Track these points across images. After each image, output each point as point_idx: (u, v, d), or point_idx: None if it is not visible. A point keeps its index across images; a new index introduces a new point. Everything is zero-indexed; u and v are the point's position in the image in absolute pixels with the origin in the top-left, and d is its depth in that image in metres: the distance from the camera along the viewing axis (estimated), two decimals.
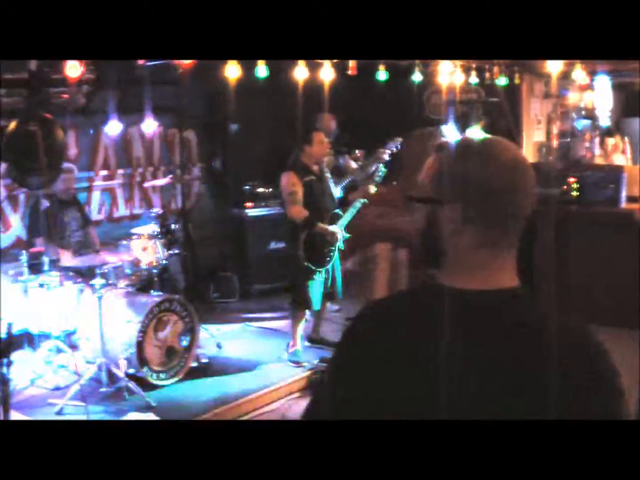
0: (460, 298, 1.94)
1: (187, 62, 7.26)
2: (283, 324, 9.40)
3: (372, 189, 8.10)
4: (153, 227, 8.15)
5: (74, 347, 7.90)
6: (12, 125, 7.56)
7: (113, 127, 9.62)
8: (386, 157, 8.45)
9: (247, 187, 10.99)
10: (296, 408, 7.29)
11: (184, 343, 7.64)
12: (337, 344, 2.13)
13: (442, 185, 1.96)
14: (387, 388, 1.95)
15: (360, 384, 1.99)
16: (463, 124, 9.62)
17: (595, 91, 12.88)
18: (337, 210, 8.10)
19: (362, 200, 8.16)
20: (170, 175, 8.89)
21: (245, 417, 7.05)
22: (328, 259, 8.02)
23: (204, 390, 7.44)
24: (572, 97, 12.65)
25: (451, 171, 1.95)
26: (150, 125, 9.95)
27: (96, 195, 10.22)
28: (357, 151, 8.92)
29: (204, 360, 8.00)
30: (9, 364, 4.33)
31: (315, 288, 8.04)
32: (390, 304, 2.14)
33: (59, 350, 7.78)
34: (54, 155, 7.52)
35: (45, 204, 7.73)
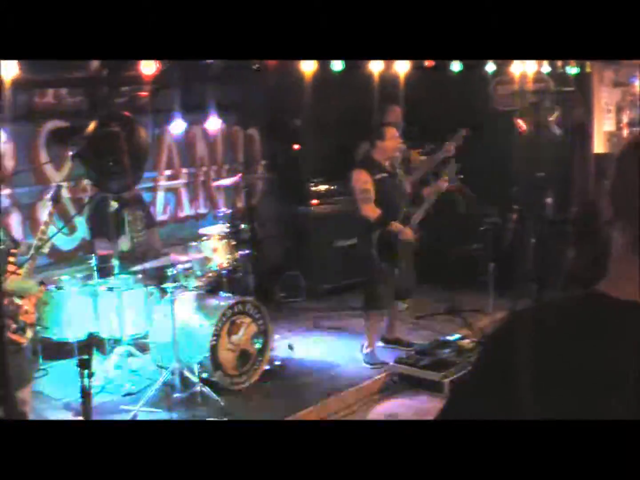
0: (618, 310, 1.76)
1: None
2: (352, 323, 9.23)
3: (445, 184, 7.86)
4: (222, 227, 8.00)
5: (145, 351, 7.80)
6: (92, 125, 7.40)
7: (177, 126, 9.52)
8: (453, 150, 8.20)
9: (312, 184, 10.80)
10: (375, 410, 7.12)
11: (257, 346, 7.49)
12: (484, 346, 2.01)
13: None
14: (533, 400, 1.80)
15: (506, 392, 1.85)
16: (535, 114, 9.34)
17: None
18: (409, 208, 7.87)
19: (435, 197, 7.93)
20: (240, 174, 8.72)
21: (324, 422, 6.88)
22: (401, 257, 7.82)
23: (280, 393, 7.29)
24: None
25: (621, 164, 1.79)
26: (214, 124, 9.83)
27: (160, 195, 10.11)
28: (427, 145, 8.66)
29: (277, 363, 7.84)
30: (90, 375, 4.19)
31: (389, 287, 7.85)
32: (548, 310, 1.95)
33: (130, 355, 7.67)
34: (137, 157, 7.35)
35: (114, 206, 7.60)
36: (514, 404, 1.84)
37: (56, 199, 6.18)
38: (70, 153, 7.75)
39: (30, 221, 8.79)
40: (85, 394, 4.19)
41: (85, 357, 4.20)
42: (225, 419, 6.56)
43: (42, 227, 6.08)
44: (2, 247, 5.51)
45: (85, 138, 7.43)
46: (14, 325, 5.57)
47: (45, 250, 6.23)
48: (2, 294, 4.68)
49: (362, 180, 7.63)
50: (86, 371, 4.17)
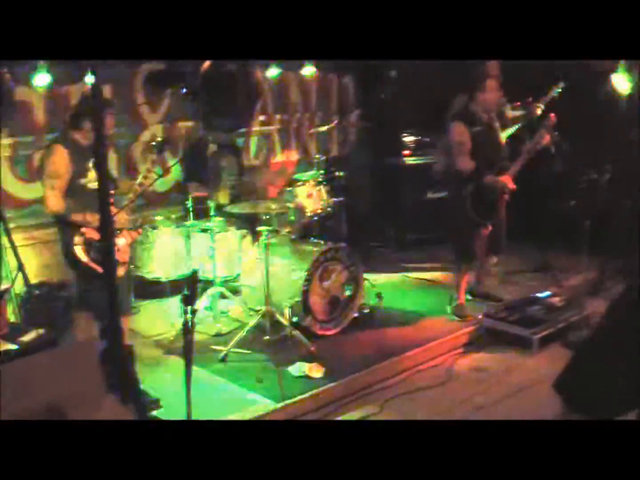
0: None
1: None
2: (439, 275, 9.23)
3: (546, 137, 7.71)
4: (317, 174, 7.99)
5: (236, 293, 7.88)
6: (207, 64, 7.44)
7: (271, 72, 9.53)
8: (539, 111, 7.98)
9: (405, 135, 10.72)
10: (462, 363, 7.12)
11: (348, 293, 7.52)
12: (608, 311, 2.00)
13: None
14: None
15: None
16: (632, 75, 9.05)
17: None
18: (505, 162, 7.77)
19: (532, 152, 7.79)
20: (336, 121, 8.71)
21: (410, 372, 6.90)
22: (495, 211, 7.75)
23: (368, 341, 7.31)
24: None
25: None
26: (309, 71, 9.82)
27: (254, 141, 10.15)
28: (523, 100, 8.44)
29: (366, 311, 7.86)
30: (194, 312, 4.25)
31: (481, 241, 7.79)
32: None
33: (221, 297, 7.77)
34: (251, 96, 7.37)
35: (212, 148, 7.65)
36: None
37: (160, 149, 6.31)
38: (184, 91, 7.81)
39: (126, 161, 8.92)
40: (188, 330, 4.25)
41: (190, 293, 4.25)
42: (314, 362, 6.62)
43: (144, 173, 6.21)
44: None
45: (200, 76, 7.48)
46: None
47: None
48: (112, 234, 4.80)
49: (459, 132, 7.54)
50: (189, 307, 4.22)
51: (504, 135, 7.95)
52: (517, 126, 8.16)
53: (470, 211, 7.56)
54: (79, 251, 5.91)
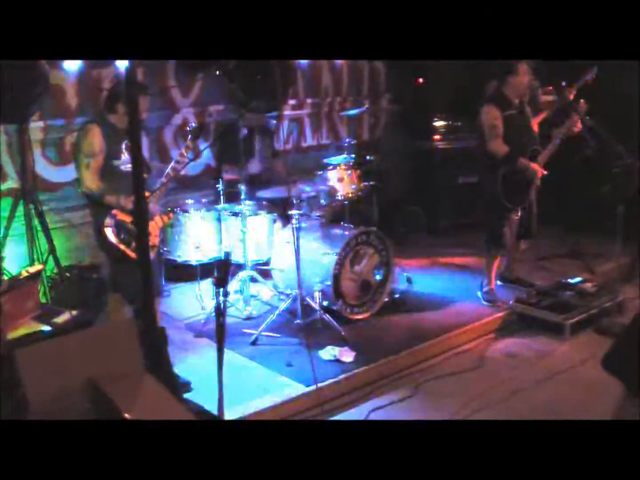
0: None
1: None
2: (472, 260, 9.17)
3: (578, 122, 7.65)
4: (348, 158, 7.95)
5: (267, 277, 7.88)
6: None
7: None
8: (572, 96, 7.90)
9: (436, 119, 10.66)
10: (493, 348, 7.10)
11: (378, 277, 7.50)
12: None
13: None
14: None
15: None
16: None
17: None
18: (536, 147, 7.70)
19: (563, 137, 7.73)
20: (367, 106, 8.67)
21: (441, 356, 6.88)
22: (526, 196, 7.70)
23: (399, 326, 7.30)
24: None
25: None
26: None
27: (285, 125, 10.12)
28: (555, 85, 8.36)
29: (397, 296, 7.84)
30: (226, 294, 4.24)
31: (512, 226, 7.75)
32: None
33: (252, 280, 7.76)
34: (286, 76, 7.34)
35: (244, 132, 7.63)
36: None
37: (196, 136, 6.32)
38: (218, 72, 7.79)
39: (157, 145, 8.93)
40: (220, 312, 4.24)
41: (222, 276, 4.24)
42: (345, 347, 6.62)
43: (178, 158, 6.21)
44: None
45: None
46: (134, 244, 5.77)
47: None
48: (146, 217, 4.81)
49: (491, 115, 7.49)
50: (222, 290, 4.21)
51: (536, 120, 7.89)
52: (549, 111, 8.09)
53: (502, 196, 7.51)
54: (109, 233, 5.94)
